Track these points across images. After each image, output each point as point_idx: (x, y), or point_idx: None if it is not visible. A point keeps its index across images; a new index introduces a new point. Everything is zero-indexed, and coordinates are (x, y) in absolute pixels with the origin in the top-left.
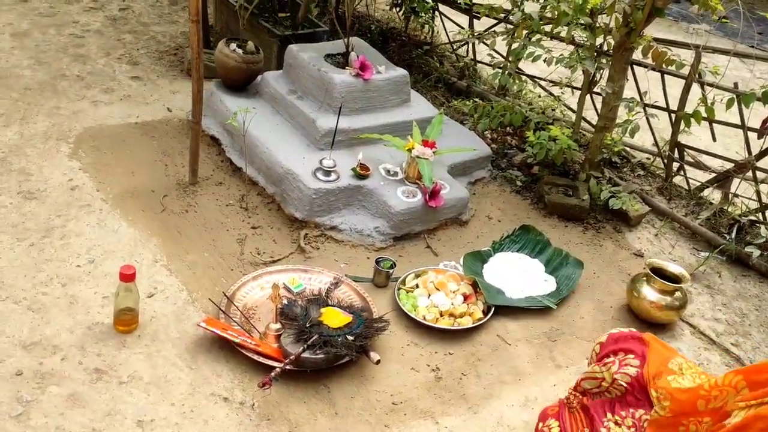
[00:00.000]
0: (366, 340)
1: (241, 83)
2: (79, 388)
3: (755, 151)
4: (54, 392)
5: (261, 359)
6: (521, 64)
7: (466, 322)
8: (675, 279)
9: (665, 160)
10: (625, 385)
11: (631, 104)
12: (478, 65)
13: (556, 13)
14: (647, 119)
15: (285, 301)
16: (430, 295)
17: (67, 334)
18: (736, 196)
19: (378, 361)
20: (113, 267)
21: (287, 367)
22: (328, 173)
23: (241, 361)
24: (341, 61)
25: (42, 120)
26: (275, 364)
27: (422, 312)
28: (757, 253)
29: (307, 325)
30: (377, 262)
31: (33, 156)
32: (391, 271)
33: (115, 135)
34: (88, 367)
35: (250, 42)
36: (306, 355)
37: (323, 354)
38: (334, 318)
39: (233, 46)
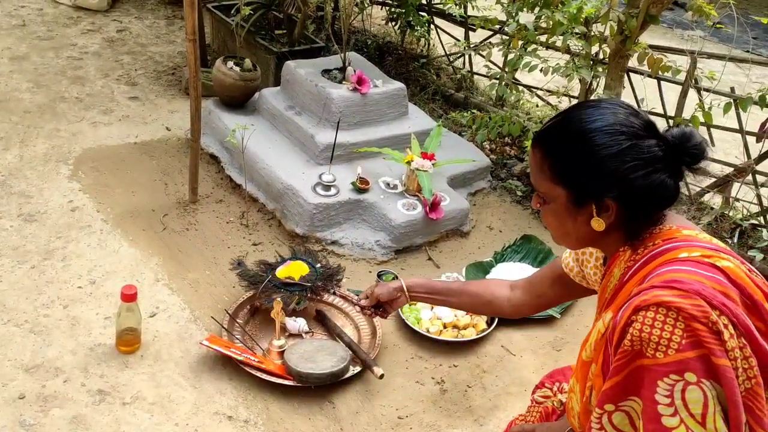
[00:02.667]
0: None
1: (239, 101)
2: (82, 410)
3: (754, 154)
4: (57, 415)
5: (265, 376)
6: (518, 75)
7: (470, 334)
8: None
9: None
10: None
11: None
12: (475, 77)
13: (551, 23)
14: None
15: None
16: (432, 308)
17: (69, 356)
18: (737, 200)
19: (382, 376)
20: (115, 287)
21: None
22: (327, 188)
23: (244, 378)
24: (338, 76)
25: (41, 142)
26: (280, 381)
27: (425, 324)
28: (760, 257)
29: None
30: (379, 275)
31: (33, 178)
32: None
33: (114, 155)
34: (91, 388)
35: (247, 59)
36: (309, 370)
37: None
38: (298, 270)
39: (230, 63)
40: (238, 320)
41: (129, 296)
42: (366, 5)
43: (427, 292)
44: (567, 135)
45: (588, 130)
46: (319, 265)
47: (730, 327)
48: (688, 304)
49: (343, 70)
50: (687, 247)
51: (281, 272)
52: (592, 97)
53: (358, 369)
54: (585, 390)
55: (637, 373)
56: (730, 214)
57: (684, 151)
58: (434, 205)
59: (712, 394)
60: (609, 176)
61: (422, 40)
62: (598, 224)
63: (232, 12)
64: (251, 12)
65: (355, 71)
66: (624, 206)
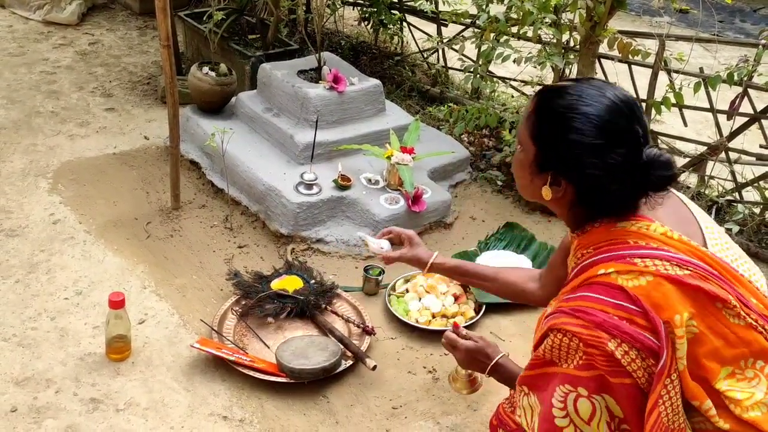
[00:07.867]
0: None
1: (216, 106)
2: (75, 420)
3: (726, 132)
4: (51, 426)
5: (257, 375)
6: (492, 66)
7: (460, 322)
8: None
9: None
10: None
11: None
12: (450, 71)
13: (521, 13)
14: None
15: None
16: (420, 299)
17: (59, 367)
18: (712, 178)
19: (374, 367)
20: (101, 297)
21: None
22: (309, 187)
23: (237, 378)
24: (314, 76)
25: (19, 158)
26: (273, 378)
27: (414, 315)
28: (736, 229)
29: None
30: (366, 270)
31: (12, 194)
32: (380, 278)
33: (93, 167)
34: (83, 397)
35: (222, 64)
36: (302, 366)
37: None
38: (292, 284)
39: (205, 69)
40: (227, 322)
41: (117, 303)
42: (338, 6)
43: (451, 270)
44: (559, 103)
45: (576, 109)
46: (313, 281)
47: (632, 352)
48: (587, 334)
49: (318, 70)
50: (606, 261)
51: (276, 285)
52: None
53: (350, 362)
54: None
55: (547, 377)
56: (706, 192)
57: (647, 176)
58: (416, 198)
59: (601, 405)
60: (570, 159)
61: (395, 37)
62: (546, 193)
63: (204, 18)
64: (223, 17)
65: (330, 70)
66: (577, 192)
